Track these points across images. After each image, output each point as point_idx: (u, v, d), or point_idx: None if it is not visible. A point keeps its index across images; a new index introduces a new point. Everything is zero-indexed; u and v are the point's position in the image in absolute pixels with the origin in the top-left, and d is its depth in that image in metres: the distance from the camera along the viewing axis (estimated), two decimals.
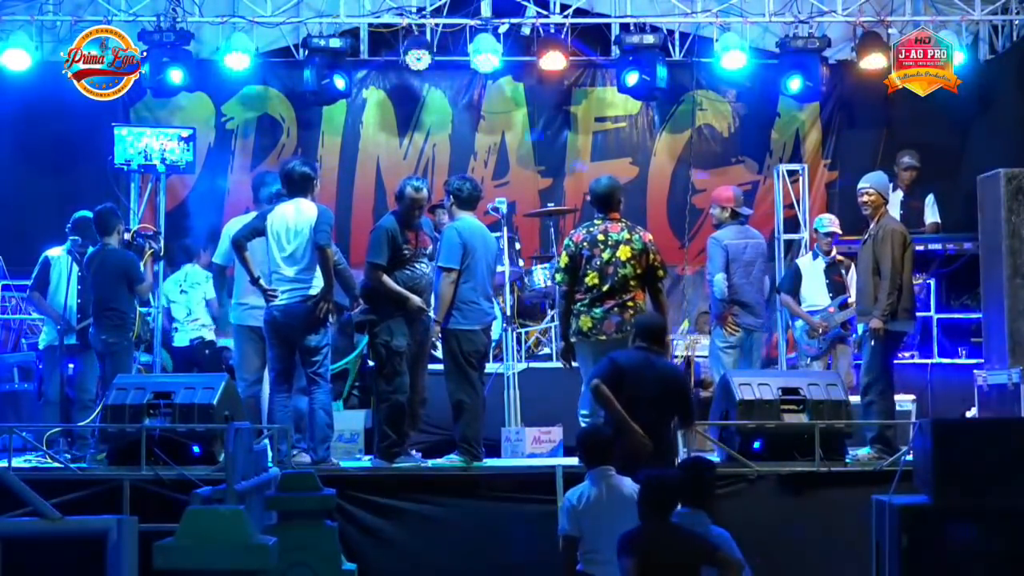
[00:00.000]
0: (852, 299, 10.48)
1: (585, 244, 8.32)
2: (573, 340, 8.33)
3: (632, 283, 8.26)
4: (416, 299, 8.60)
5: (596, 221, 8.44)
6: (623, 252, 8.27)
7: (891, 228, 8.87)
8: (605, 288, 8.23)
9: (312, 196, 8.66)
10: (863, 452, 8.71)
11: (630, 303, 8.26)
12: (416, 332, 8.70)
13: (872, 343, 8.75)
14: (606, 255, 8.27)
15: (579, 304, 8.31)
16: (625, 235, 8.33)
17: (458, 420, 8.67)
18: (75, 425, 9.04)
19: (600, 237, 8.32)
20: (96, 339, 9.19)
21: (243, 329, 9.19)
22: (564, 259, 8.37)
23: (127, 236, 9.52)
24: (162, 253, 9.79)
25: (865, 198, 9.05)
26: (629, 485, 6.61)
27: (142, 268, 9.32)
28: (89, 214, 9.50)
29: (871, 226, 9.02)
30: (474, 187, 8.97)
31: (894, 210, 11.75)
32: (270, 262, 8.58)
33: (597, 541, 6.34)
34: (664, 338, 7.72)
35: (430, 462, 8.72)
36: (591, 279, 8.26)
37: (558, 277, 8.46)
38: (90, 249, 9.36)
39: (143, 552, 5.68)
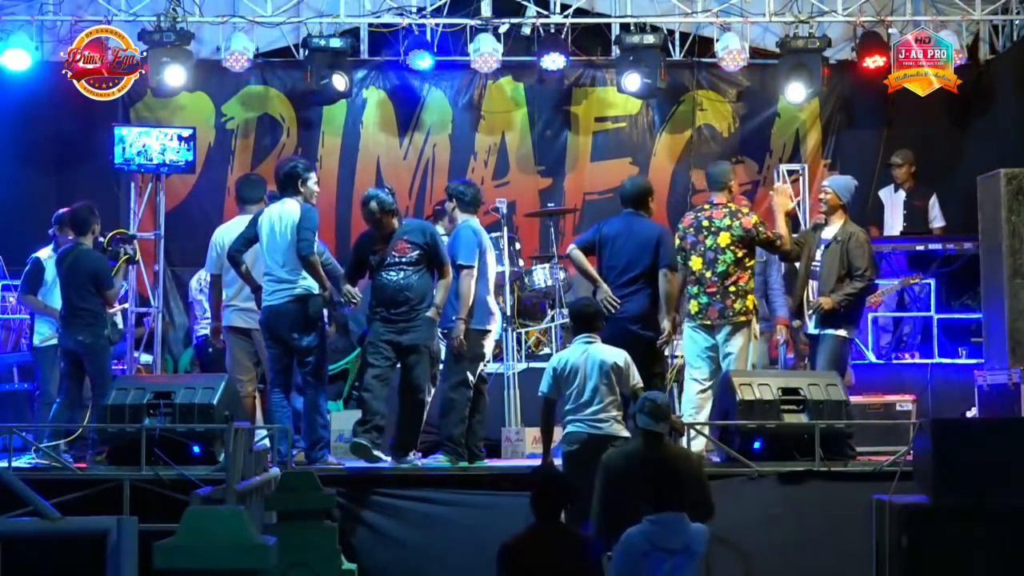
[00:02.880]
0: None
1: (691, 230, 8.88)
2: (683, 326, 8.81)
3: (733, 268, 8.80)
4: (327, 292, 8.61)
5: (705, 206, 9.00)
6: (723, 239, 8.82)
7: (863, 237, 9.10)
8: (708, 274, 8.77)
9: (304, 197, 8.66)
10: None
11: (731, 288, 8.81)
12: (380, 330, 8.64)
13: (831, 352, 8.99)
14: (709, 242, 8.82)
15: (688, 287, 8.83)
16: (727, 222, 8.85)
17: (446, 418, 8.69)
18: (75, 425, 9.04)
19: (705, 223, 8.87)
20: (69, 339, 9.04)
21: (229, 330, 9.28)
22: (676, 241, 8.86)
23: (104, 240, 9.36)
24: (136, 257, 9.59)
25: (822, 196, 9.28)
26: (609, 351, 7.69)
27: (114, 273, 9.17)
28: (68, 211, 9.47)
29: (834, 230, 9.17)
30: (476, 191, 9.05)
31: (896, 212, 11.78)
32: (264, 264, 8.60)
33: (573, 400, 7.65)
34: (648, 200, 8.75)
35: (420, 462, 8.74)
36: (695, 263, 8.84)
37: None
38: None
39: (143, 552, 5.67)
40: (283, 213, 8.57)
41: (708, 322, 8.82)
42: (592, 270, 8.55)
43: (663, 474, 6.25)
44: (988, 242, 9.47)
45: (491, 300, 8.88)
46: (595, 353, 7.66)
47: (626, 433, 7.62)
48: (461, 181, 9.47)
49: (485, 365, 8.99)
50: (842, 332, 9.08)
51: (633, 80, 11.98)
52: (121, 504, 7.63)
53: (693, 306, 8.83)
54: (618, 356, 7.71)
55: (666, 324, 8.52)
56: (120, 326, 9.66)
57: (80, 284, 9.04)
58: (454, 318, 8.65)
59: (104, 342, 9.08)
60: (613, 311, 8.32)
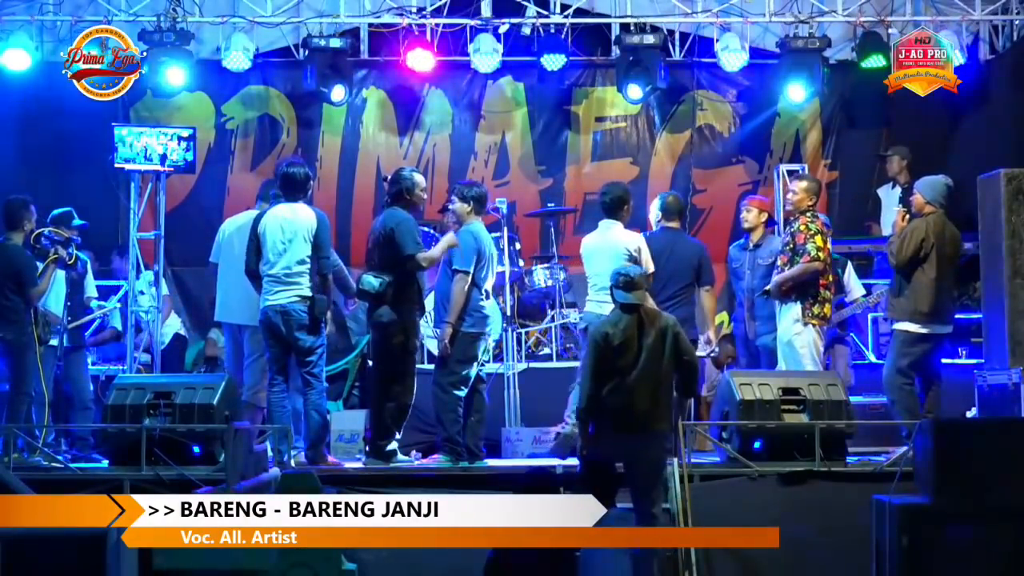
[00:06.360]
0: (850, 298, 10.50)
1: (830, 233, 9.31)
2: (813, 323, 9.04)
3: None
4: None
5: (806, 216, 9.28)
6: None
7: (910, 229, 8.99)
8: (831, 278, 9.22)
9: (309, 199, 8.68)
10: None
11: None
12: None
13: (892, 343, 9.04)
14: (830, 247, 9.22)
15: (824, 290, 9.09)
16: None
17: (442, 419, 8.71)
18: (75, 425, 9.03)
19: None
20: None
21: (226, 327, 9.32)
22: (828, 243, 9.16)
23: (37, 236, 9.12)
24: (70, 261, 9.19)
25: (914, 198, 9.33)
26: (626, 236, 8.85)
27: (39, 273, 8.90)
28: (64, 211, 9.41)
29: None
30: (481, 192, 9.03)
31: (892, 206, 11.73)
32: (263, 263, 8.58)
33: (595, 276, 8.85)
34: (685, 212, 9.79)
35: (416, 462, 8.74)
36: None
37: (822, 255, 9.06)
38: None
39: (143, 552, 5.68)
40: (297, 219, 8.53)
41: (827, 325, 9.25)
42: None
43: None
44: (988, 242, 9.46)
45: (488, 303, 8.84)
46: (614, 236, 8.80)
47: None
48: (468, 182, 9.44)
49: (484, 365, 8.97)
50: (900, 326, 8.97)
51: (634, 90, 11.99)
52: None
53: (828, 309, 9.14)
54: (635, 240, 8.83)
55: (711, 335, 9.32)
56: (65, 323, 9.43)
57: (4, 280, 8.81)
58: (445, 320, 8.68)
59: (27, 339, 8.79)
60: None
